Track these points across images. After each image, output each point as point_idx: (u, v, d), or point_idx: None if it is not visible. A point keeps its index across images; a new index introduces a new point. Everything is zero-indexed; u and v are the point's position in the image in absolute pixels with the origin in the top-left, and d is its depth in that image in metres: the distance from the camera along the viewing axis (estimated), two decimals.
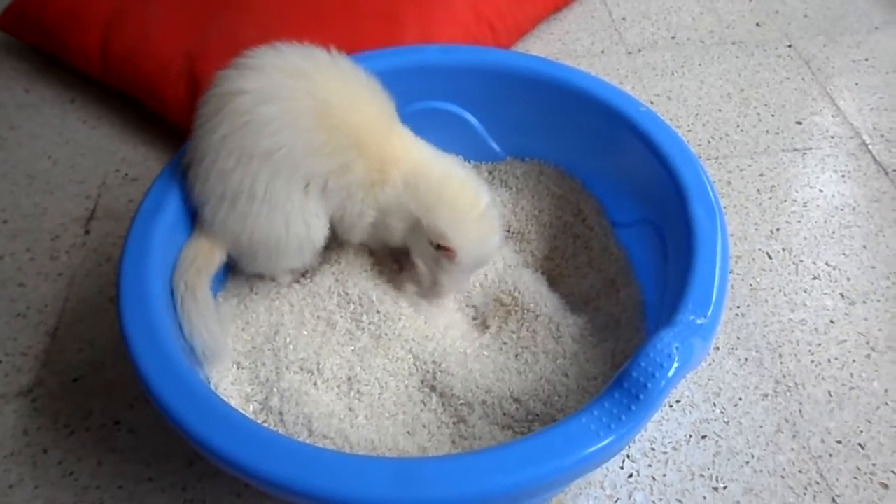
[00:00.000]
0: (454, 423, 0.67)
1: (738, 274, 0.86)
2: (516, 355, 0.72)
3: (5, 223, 0.93)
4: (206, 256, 0.67)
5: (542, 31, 1.18)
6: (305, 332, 0.71)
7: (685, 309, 0.58)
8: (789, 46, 1.17)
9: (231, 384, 0.68)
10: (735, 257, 0.88)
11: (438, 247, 0.68)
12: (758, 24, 1.21)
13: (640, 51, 1.16)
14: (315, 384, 0.68)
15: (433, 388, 0.69)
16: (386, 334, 0.71)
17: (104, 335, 0.81)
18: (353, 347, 0.71)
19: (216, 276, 0.70)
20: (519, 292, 0.75)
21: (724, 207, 0.93)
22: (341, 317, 0.72)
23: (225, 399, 0.65)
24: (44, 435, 0.73)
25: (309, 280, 0.75)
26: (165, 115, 0.97)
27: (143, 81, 0.98)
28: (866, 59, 1.14)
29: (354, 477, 0.50)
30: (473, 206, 0.69)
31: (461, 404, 0.67)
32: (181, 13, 1.00)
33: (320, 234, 0.70)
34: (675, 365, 0.53)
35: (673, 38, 1.19)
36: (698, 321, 0.57)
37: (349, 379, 0.69)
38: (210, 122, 0.64)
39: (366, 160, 0.67)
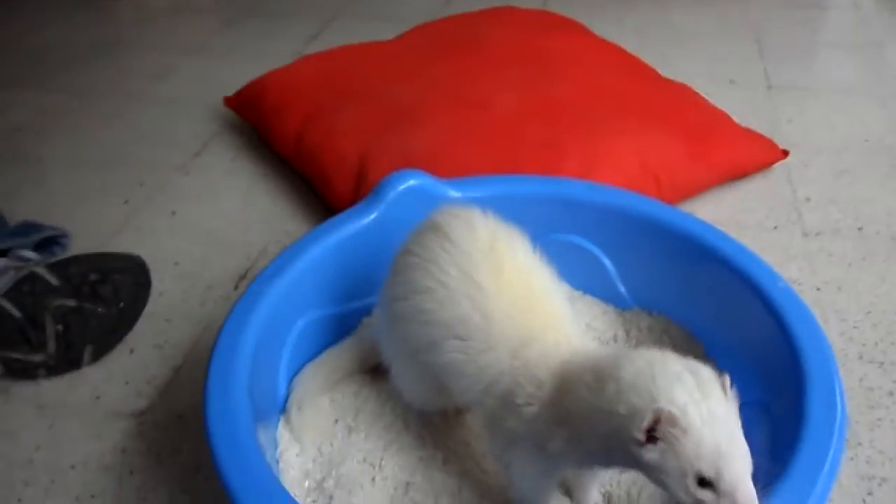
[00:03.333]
0: None
1: (877, 498, 0.73)
2: None
3: (176, 265, 1.04)
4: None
5: (713, 195, 1.15)
6: (381, 424, 0.72)
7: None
8: None
9: (296, 455, 0.69)
10: (879, 478, 0.75)
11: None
12: None
13: (818, 234, 1.08)
14: (373, 479, 0.67)
15: None
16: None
17: None
18: (421, 454, 0.69)
19: None
20: None
21: (881, 419, 0.81)
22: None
23: (284, 469, 0.66)
24: (136, 457, 0.78)
25: None
26: (331, 202, 1.06)
27: (321, 171, 1.08)
28: None
29: None
30: None
31: None
32: (364, 120, 1.11)
33: None
34: None
35: (860, 228, 1.10)
36: None
37: (407, 484, 0.67)
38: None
39: None
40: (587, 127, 1.07)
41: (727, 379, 0.50)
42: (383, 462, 0.68)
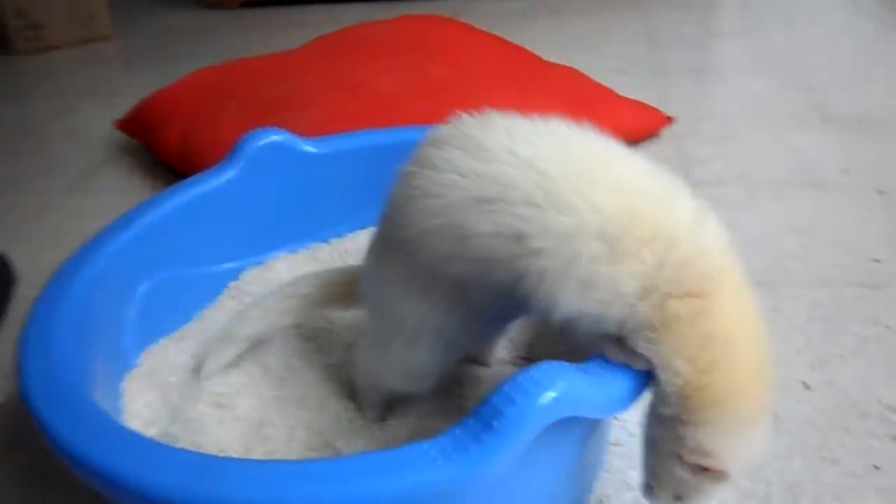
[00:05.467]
0: None
1: None
2: None
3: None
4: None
5: None
6: (236, 371, 0.68)
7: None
8: (880, 193, 1.05)
9: (143, 406, 0.65)
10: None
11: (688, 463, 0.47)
12: (845, 171, 1.11)
13: (706, 184, 1.09)
14: (222, 420, 0.63)
15: (334, 449, 0.61)
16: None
17: None
18: (277, 394, 0.66)
19: None
20: None
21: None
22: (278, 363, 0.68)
23: (127, 419, 0.62)
24: None
25: None
26: None
27: (204, 166, 1.06)
28: None
29: (145, 458, 0.44)
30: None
31: None
32: (246, 113, 1.11)
33: None
34: (551, 395, 0.43)
35: (744, 177, 1.12)
36: (604, 370, 0.47)
37: (260, 422, 0.63)
38: None
39: None
40: (466, 101, 1.06)
41: None
42: (235, 404, 0.64)
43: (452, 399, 0.67)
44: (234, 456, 0.60)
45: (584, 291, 0.46)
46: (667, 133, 1.24)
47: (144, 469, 0.43)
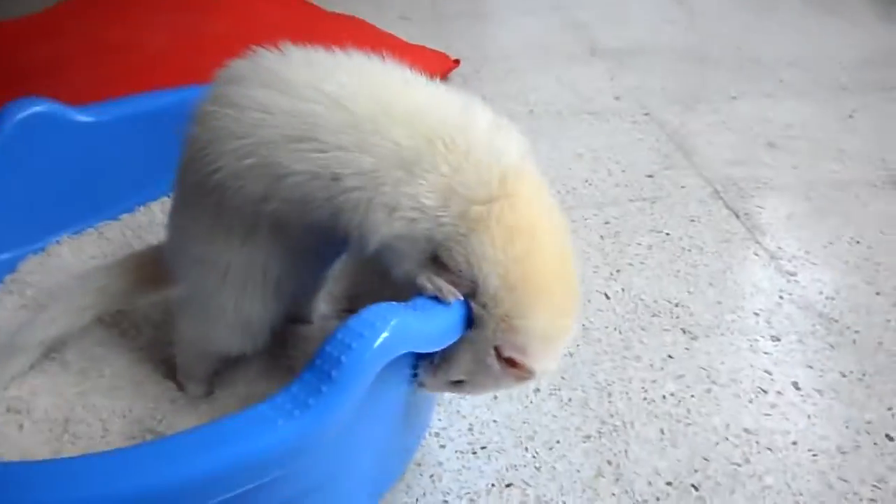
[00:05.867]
0: None
1: None
2: None
3: None
4: None
5: None
6: (32, 370, 0.60)
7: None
8: (646, 115, 1.16)
9: None
10: None
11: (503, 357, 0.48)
12: (616, 98, 1.21)
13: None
14: (21, 426, 0.56)
15: (157, 434, 0.57)
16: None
17: None
18: (79, 389, 0.60)
19: None
20: None
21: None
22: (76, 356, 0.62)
23: None
24: None
25: None
26: None
27: None
28: (723, 122, 1.13)
29: None
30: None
31: None
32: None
33: None
34: (385, 335, 0.43)
35: (531, 112, 1.18)
36: (434, 303, 0.48)
37: (66, 420, 0.57)
38: None
39: None
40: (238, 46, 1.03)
41: None
42: (33, 406, 0.57)
43: (279, 360, 0.65)
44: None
45: (392, 214, 0.46)
46: (454, 76, 1.27)
47: None
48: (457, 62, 1.26)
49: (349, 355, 0.42)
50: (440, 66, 1.24)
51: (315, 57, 0.50)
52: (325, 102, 0.47)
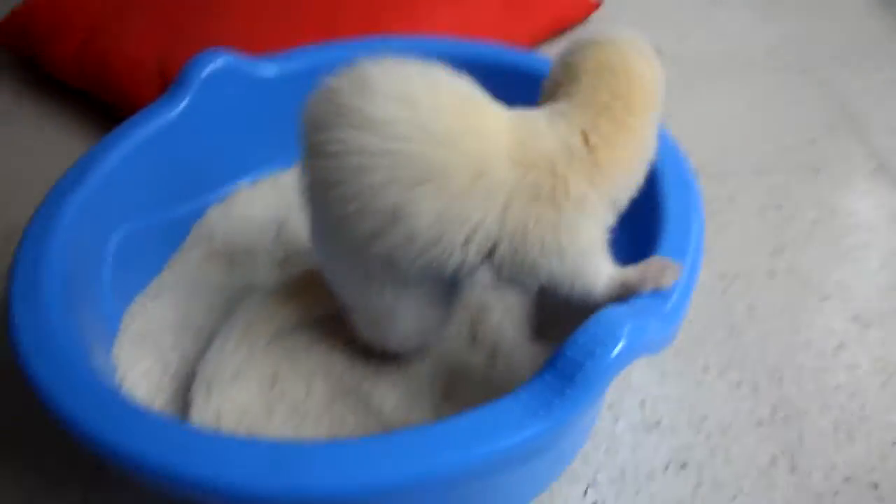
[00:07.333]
0: (384, 430, 0.58)
1: (734, 292, 0.76)
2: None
3: None
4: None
5: (543, 51, 1.14)
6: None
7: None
8: (803, 71, 1.10)
9: (141, 375, 0.61)
10: (732, 275, 0.78)
11: None
12: (770, 49, 1.15)
13: None
14: (234, 377, 0.60)
15: (359, 396, 0.60)
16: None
17: None
18: (283, 345, 0.63)
19: None
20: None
21: (726, 223, 0.84)
22: None
23: (130, 391, 0.58)
24: None
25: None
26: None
27: (115, 85, 0.95)
28: (892, 81, 1.06)
29: (217, 455, 0.41)
30: None
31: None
32: (155, 20, 0.98)
33: None
34: (622, 344, 0.44)
35: (677, 61, 1.13)
36: (659, 304, 0.49)
37: (274, 375, 0.61)
38: None
39: None
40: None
41: None
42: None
43: (461, 325, 0.67)
44: (257, 417, 0.58)
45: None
46: (594, 18, 1.22)
47: (219, 466, 0.41)
48: (598, 4, 1.21)
49: (592, 361, 0.43)
50: (581, 8, 1.19)
51: (395, 85, 0.46)
52: (425, 141, 0.45)
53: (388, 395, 0.59)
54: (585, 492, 0.60)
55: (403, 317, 0.55)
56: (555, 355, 0.44)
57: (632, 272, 0.50)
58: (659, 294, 0.49)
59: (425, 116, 0.45)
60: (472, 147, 0.46)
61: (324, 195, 0.48)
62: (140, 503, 0.59)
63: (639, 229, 0.56)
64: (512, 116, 0.49)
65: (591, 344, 0.43)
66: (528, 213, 0.47)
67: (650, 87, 0.51)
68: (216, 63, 0.72)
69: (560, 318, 0.64)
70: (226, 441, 0.44)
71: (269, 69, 0.76)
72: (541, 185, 0.46)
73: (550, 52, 1.13)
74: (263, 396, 0.59)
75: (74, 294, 0.56)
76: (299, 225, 0.74)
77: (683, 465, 0.62)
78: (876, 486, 0.60)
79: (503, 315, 0.66)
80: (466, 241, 0.47)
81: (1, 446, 0.64)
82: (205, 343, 0.62)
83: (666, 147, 0.61)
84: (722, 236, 0.83)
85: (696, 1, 1.29)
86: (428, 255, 0.47)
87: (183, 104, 0.71)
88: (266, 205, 0.78)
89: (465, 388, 0.60)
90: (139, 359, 0.61)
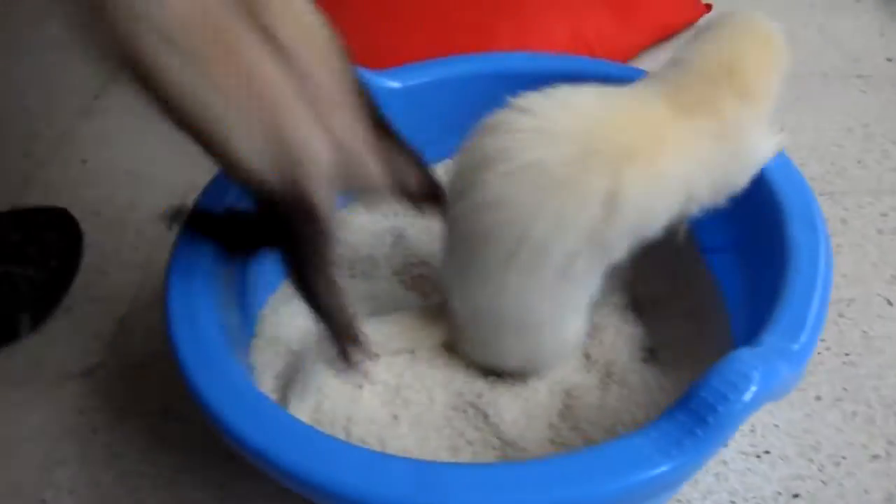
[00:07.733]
0: (502, 444, 0.60)
1: (849, 318, 0.75)
2: None
3: (98, 214, 0.95)
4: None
5: (647, 57, 1.13)
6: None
7: (774, 330, 0.50)
8: None
9: (274, 378, 0.65)
10: (847, 300, 0.77)
11: None
12: (889, 60, 1.11)
13: None
14: (360, 386, 0.64)
15: (478, 409, 0.63)
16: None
17: None
18: (406, 355, 0.67)
19: None
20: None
21: (838, 246, 0.83)
22: None
23: (266, 392, 0.62)
24: (96, 416, 0.73)
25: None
26: None
27: None
28: None
29: (365, 471, 0.45)
30: None
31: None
32: None
33: None
34: (754, 388, 0.45)
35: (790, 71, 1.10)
36: (787, 346, 0.49)
37: (397, 386, 0.65)
38: None
39: None
40: (514, 5, 1.02)
41: None
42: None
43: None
44: (383, 426, 0.61)
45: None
46: (702, 23, 1.20)
47: (366, 481, 0.45)
48: (709, 7, 1.19)
49: (725, 406, 0.44)
50: (692, 12, 1.17)
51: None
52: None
53: (506, 411, 0.62)
54: None
55: (571, 321, 0.61)
56: (687, 394, 0.46)
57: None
58: (787, 335, 0.50)
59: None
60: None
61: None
62: (276, 493, 0.64)
63: (761, 277, 0.57)
64: (648, 93, 0.60)
65: (724, 387, 0.45)
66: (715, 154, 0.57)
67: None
68: None
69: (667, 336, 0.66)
70: (370, 456, 0.47)
71: (392, 82, 0.78)
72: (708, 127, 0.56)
73: (656, 58, 1.13)
74: (387, 407, 0.63)
75: (222, 294, 0.60)
76: (413, 233, 0.78)
77: (795, 496, 0.62)
78: None
79: (616, 335, 0.67)
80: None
81: (149, 430, 0.70)
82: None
83: (793, 182, 0.62)
84: (837, 259, 0.81)
85: (811, 7, 1.25)
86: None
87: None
88: (383, 214, 0.81)
89: (580, 408, 0.62)
90: (271, 363, 0.66)
